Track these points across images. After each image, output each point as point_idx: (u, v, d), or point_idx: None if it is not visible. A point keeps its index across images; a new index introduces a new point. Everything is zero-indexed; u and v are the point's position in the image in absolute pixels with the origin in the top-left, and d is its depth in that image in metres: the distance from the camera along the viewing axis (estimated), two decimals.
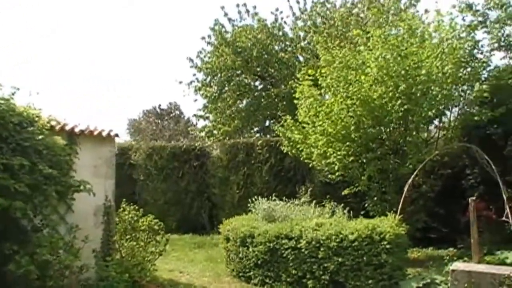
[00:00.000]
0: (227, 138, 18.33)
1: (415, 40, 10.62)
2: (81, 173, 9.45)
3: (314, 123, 11.49)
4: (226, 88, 19.98)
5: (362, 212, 11.48)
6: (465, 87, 11.18)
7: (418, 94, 10.25)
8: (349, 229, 9.25)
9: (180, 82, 20.52)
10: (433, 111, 10.59)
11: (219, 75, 19.76)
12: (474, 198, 9.29)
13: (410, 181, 10.12)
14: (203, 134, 19.90)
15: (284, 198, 11.93)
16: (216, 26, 19.87)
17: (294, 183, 14.34)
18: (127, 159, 16.94)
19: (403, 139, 10.99)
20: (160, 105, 29.77)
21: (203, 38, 20.26)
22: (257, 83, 20.73)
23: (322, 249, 9.27)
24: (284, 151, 12.94)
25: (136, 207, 11.07)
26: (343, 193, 11.99)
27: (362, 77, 10.45)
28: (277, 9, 20.46)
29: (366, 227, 9.16)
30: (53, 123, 8.91)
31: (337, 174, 11.51)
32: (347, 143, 10.93)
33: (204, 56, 20.29)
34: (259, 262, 10.13)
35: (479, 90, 10.78)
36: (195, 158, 16.27)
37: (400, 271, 9.03)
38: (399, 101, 10.25)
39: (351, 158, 11.02)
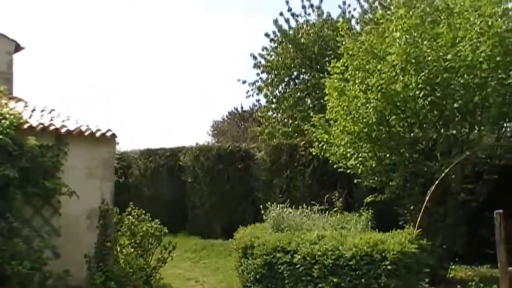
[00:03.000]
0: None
1: (446, 17, 8.85)
2: (72, 175, 9.18)
3: (336, 121, 10.16)
4: (287, 88, 18.96)
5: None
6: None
7: (444, 84, 8.48)
8: (348, 244, 7.88)
9: (244, 82, 19.88)
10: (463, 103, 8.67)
11: (280, 73, 18.78)
12: (501, 211, 7.43)
13: (433, 187, 8.45)
14: (264, 136, 19.00)
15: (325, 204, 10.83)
16: (278, 22, 18.94)
17: (338, 187, 12.95)
18: (177, 161, 16.64)
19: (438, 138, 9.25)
20: (242, 107, 29.45)
21: (266, 34, 19.43)
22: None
23: (316, 266, 8.01)
24: (314, 153, 11.68)
25: (142, 211, 10.55)
26: (365, 201, 10.45)
27: (379, 66, 8.93)
28: (344, 3, 19.12)
29: (367, 243, 7.75)
30: (34, 124, 8.71)
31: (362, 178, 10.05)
32: (369, 144, 9.46)
33: (268, 54, 19.45)
34: (257, 276, 9.08)
35: None
36: (240, 160, 15.50)
37: None
38: (422, 92, 8.59)
39: (374, 161, 9.51)
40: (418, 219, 8.35)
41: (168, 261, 12.93)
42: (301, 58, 18.34)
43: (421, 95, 8.62)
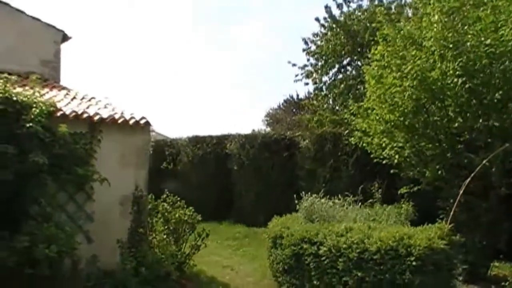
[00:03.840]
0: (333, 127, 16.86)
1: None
2: (106, 162, 9.36)
3: (374, 109, 9.76)
4: (338, 75, 18.48)
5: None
6: None
7: (484, 70, 7.88)
8: (374, 238, 7.56)
9: (294, 65, 19.44)
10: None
11: (330, 60, 18.32)
12: None
13: (467, 180, 7.92)
14: (312, 124, 18.62)
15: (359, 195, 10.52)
16: (329, 8, 18.47)
17: (377, 178, 12.48)
18: (224, 148, 16.68)
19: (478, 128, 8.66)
20: (298, 95, 29.02)
21: (317, 19, 19.00)
22: None
23: (341, 259, 7.76)
24: (353, 143, 11.31)
25: (178, 198, 10.64)
26: (399, 192, 9.99)
27: (415, 52, 8.44)
28: None
29: (393, 237, 7.40)
30: (67, 112, 8.94)
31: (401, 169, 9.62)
32: (405, 133, 9.01)
33: (319, 40, 19.01)
34: (286, 267, 8.93)
35: None
36: (285, 149, 15.29)
37: None
38: (460, 80, 8.04)
39: (410, 150, 9.05)
40: (451, 214, 7.84)
41: (209, 248, 13.11)
42: (351, 45, 17.79)
43: (459, 82, 8.07)
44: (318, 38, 19.03)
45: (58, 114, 8.76)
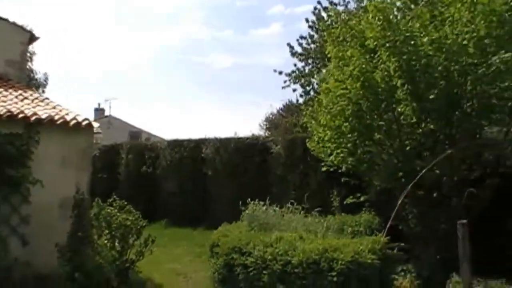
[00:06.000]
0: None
1: None
2: (44, 163, 9.13)
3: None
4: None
5: None
6: None
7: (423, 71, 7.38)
8: (298, 250, 7.12)
9: (280, 73, 19.15)
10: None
11: (317, 62, 17.90)
12: (465, 221, 6.38)
13: (408, 188, 7.45)
14: (298, 128, 18.15)
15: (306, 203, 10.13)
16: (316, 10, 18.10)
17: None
18: (201, 152, 16.32)
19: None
20: (297, 100, 28.43)
21: (307, 20, 18.65)
22: None
23: (266, 271, 7.32)
24: (310, 147, 10.86)
25: (124, 202, 10.30)
26: (345, 202, 9.51)
27: (353, 51, 7.98)
28: None
29: (317, 249, 6.95)
30: (1, 112, 8.73)
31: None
32: (349, 139, 8.57)
33: (306, 43, 18.65)
34: (220, 277, 8.53)
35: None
36: (258, 154, 14.88)
37: None
38: (399, 81, 7.56)
39: (352, 158, 8.60)
40: (388, 224, 7.36)
41: (172, 255, 12.77)
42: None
43: (399, 84, 7.58)
44: (304, 40, 18.69)
45: None
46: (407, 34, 7.46)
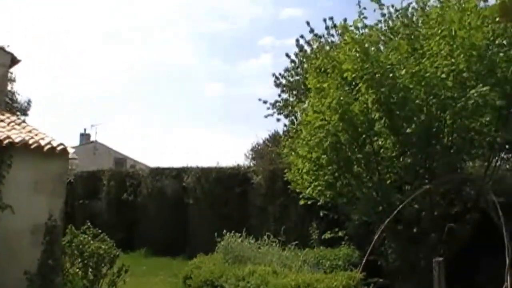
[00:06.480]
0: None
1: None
2: (16, 188, 8.90)
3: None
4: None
5: None
6: None
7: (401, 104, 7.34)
8: (270, 285, 6.93)
9: (265, 102, 19.24)
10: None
11: (300, 93, 17.99)
12: (441, 259, 6.25)
13: (386, 222, 7.33)
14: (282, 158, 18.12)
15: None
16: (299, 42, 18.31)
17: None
18: (182, 181, 16.16)
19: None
20: (284, 130, 28.54)
21: (287, 55, 18.84)
22: None
23: None
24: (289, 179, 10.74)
25: (97, 230, 10.06)
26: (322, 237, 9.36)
27: (332, 82, 7.96)
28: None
29: (289, 285, 6.77)
30: None
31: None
32: (327, 172, 8.46)
33: (289, 75, 18.79)
34: None
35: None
36: (239, 184, 14.76)
37: None
38: (377, 114, 7.52)
39: (330, 191, 8.48)
40: (364, 260, 7.21)
41: (149, 285, 12.44)
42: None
43: (377, 117, 7.55)
44: (288, 73, 18.81)
45: None
46: (388, 67, 7.45)
